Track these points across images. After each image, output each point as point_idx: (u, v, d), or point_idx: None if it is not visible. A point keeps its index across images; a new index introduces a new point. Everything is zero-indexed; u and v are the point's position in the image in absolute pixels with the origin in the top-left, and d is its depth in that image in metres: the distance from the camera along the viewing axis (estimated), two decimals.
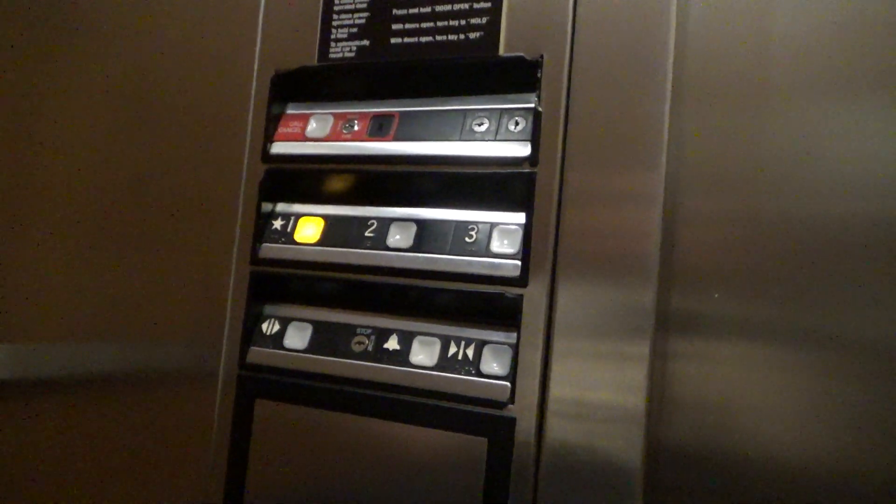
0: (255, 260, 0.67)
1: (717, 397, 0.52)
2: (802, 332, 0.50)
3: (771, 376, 0.51)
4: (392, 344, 0.61)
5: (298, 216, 0.67)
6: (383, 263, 0.61)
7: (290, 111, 0.69)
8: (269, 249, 0.66)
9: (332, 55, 0.65)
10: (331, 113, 0.67)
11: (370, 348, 0.61)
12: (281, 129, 0.68)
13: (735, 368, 0.51)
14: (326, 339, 0.63)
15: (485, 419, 0.55)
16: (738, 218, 0.52)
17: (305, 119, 0.68)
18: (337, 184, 0.66)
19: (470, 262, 0.58)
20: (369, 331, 0.62)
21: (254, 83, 0.69)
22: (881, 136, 0.50)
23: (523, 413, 0.55)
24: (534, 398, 0.54)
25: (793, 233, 0.51)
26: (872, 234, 0.49)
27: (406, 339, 0.60)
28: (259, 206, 0.68)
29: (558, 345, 0.55)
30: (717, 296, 0.53)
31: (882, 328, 0.48)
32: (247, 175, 0.68)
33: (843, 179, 0.50)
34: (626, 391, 0.52)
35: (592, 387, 0.53)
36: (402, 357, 0.60)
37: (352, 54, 0.65)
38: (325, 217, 0.66)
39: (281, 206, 0.69)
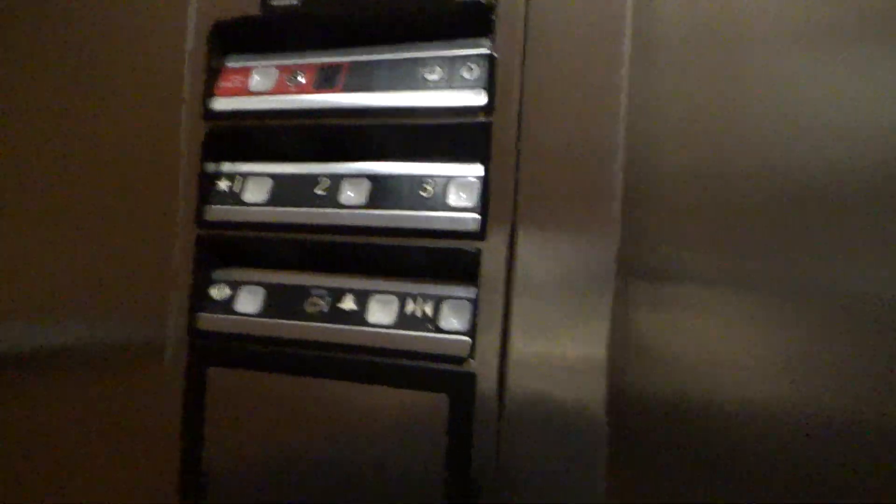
0: (201, 223, 0.63)
1: (680, 346, 0.51)
2: (766, 281, 0.50)
3: (735, 325, 0.51)
4: (348, 304, 0.59)
5: (245, 175, 0.64)
6: (336, 222, 0.59)
7: (230, 64, 0.65)
8: (216, 211, 0.63)
9: (274, 2, 0.62)
10: (275, 65, 0.64)
11: (325, 309, 0.59)
12: (222, 84, 0.64)
13: (699, 317, 0.51)
14: (280, 302, 0.61)
15: (445, 375, 0.54)
16: (704, 168, 0.52)
17: (248, 72, 0.64)
18: (284, 140, 0.63)
19: (427, 217, 0.56)
20: (324, 292, 0.60)
21: (190, 35, 0.65)
22: (851, 88, 0.50)
23: (484, 368, 0.54)
24: (494, 353, 0.53)
25: (760, 183, 0.51)
26: (839, 185, 0.49)
27: (362, 298, 0.59)
28: (202, 167, 0.64)
29: (519, 298, 0.53)
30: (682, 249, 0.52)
31: (846, 279, 0.49)
32: (187, 134, 0.65)
33: (811, 132, 0.50)
34: (589, 342, 0.52)
35: (555, 339, 0.52)
36: (358, 317, 0.58)
37: (296, 2, 0.61)
38: (274, 176, 0.63)
39: (226, 166, 0.66)
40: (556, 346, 0.52)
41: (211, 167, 0.65)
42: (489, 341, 0.54)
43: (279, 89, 0.62)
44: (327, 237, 0.59)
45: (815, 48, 0.50)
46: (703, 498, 0.50)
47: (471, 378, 0.54)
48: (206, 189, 0.64)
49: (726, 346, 0.51)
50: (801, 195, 0.50)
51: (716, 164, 0.51)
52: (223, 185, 0.64)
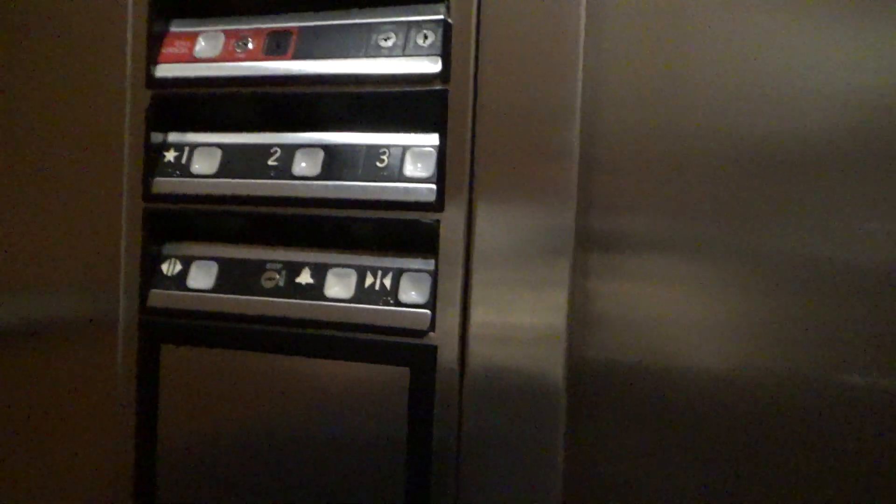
0: (148, 196, 0.61)
1: (638, 314, 0.52)
2: (723, 247, 0.51)
3: (692, 292, 0.51)
4: (305, 278, 0.57)
5: (193, 146, 0.62)
6: (290, 193, 0.57)
7: (174, 29, 0.62)
8: (163, 184, 0.61)
9: None
10: (221, 30, 0.61)
11: (281, 283, 0.58)
12: (165, 50, 0.61)
13: (656, 285, 0.52)
14: (234, 276, 0.60)
15: (406, 349, 0.54)
16: (660, 134, 0.52)
17: (193, 38, 0.61)
18: (233, 109, 0.61)
19: (383, 188, 0.55)
20: (279, 265, 0.59)
21: None
22: (803, 51, 0.50)
23: (445, 340, 0.53)
24: (455, 325, 0.53)
25: (715, 149, 0.51)
26: (792, 150, 0.49)
27: (319, 271, 0.57)
28: (148, 137, 0.61)
29: (478, 269, 0.53)
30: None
31: (801, 243, 0.49)
32: (130, 103, 0.62)
33: (764, 96, 0.50)
34: (548, 312, 0.52)
35: (514, 310, 0.52)
36: (316, 291, 0.57)
37: None
38: (223, 146, 0.61)
39: (173, 136, 0.63)
40: (515, 317, 0.52)
41: (157, 138, 0.62)
42: (449, 314, 0.53)
43: (226, 56, 0.59)
44: (281, 210, 0.58)
45: (766, 9, 0.50)
46: (662, 465, 0.51)
47: (432, 351, 0.53)
48: (152, 161, 0.61)
49: (683, 313, 0.51)
50: (755, 160, 0.50)
51: (670, 130, 0.51)
52: (170, 156, 0.62)
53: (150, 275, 0.61)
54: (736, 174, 0.50)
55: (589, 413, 0.52)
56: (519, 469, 0.52)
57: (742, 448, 0.50)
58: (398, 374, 0.54)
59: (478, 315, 0.53)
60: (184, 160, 0.61)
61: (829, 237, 0.49)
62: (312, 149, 0.58)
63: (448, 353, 0.53)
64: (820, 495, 0.49)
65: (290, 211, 0.58)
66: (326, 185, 0.56)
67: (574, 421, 0.52)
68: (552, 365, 0.51)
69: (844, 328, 0.49)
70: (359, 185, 0.56)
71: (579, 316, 0.52)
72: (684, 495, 0.51)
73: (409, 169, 0.55)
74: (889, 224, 0.48)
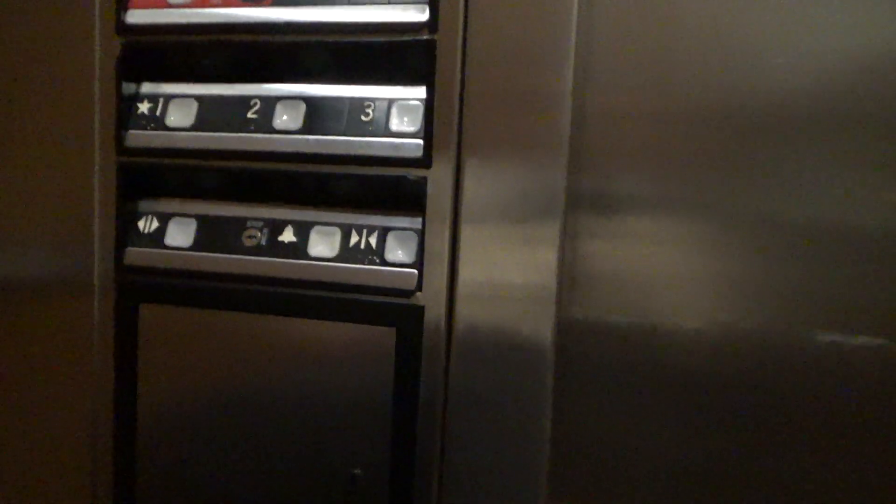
0: (122, 149, 0.58)
1: (626, 273, 0.51)
2: (708, 208, 0.50)
3: (678, 251, 0.50)
4: (287, 236, 0.56)
5: (168, 98, 0.59)
6: (270, 148, 0.55)
7: None
8: (137, 137, 0.58)
9: None
10: None
11: (263, 242, 0.56)
12: None
13: (644, 245, 0.51)
14: (213, 234, 0.58)
15: (392, 309, 0.53)
16: (649, 95, 0.50)
17: None
18: (209, 59, 0.58)
19: (368, 144, 0.53)
20: (261, 223, 0.57)
21: None
22: (794, 10, 0.48)
23: (432, 300, 0.52)
24: (442, 284, 0.52)
25: (700, 112, 0.49)
26: (778, 113, 0.48)
27: (302, 229, 0.56)
28: (119, 88, 0.58)
29: (466, 227, 0.52)
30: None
31: (785, 205, 0.49)
32: (101, 51, 0.58)
33: (748, 61, 0.48)
34: (537, 271, 0.51)
35: (503, 269, 0.51)
36: (299, 249, 0.55)
37: None
38: (200, 98, 0.58)
39: (147, 87, 0.60)
40: (504, 276, 0.51)
41: (129, 88, 0.59)
42: (436, 273, 0.52)
43: (201, 1, 0.56)
44: (261, 165, 0.56)
45: None
46: (648, 423, 0.51)
47: (419, 311, 0.52)
48: (124, 112, 0.58)
49: (671, 273, 0.51)
50: (740, 123, 0.49)
51: (662, 84, 0.50)
52: (144, 107, 0.59)
53: (126, 232, 0.59)
54: (721, 137, 0.49)
55: (577, 372, 0.52)
56: (506, 428, 0.52)
57: (729, 406, 0.50)
58: (384, 335, 0.53)
59: (466, 274, 0.52)
60: (158, 112, 0.58)
61: (815, 198, 0.48)
62: (294, 101, 0.56)
63: (435, 313, 0.52)
64: (805, 452, 0.49)
65: (271, 166, 0.55)
66: (308, 140, 0.54)
67: (562, 380, 0.51)
68: (541, 325, 0.51)
69: (830, 288, 0.48)
70: (343, 140, 0.54)
71: (569, 275, 0.52)
72: (670, 453, 0.51)
73: (396, 123, 0.53)
74: (874, 186, 0.48)
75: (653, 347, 0.51)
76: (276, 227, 0.56)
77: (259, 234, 0.56)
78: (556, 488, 0.53)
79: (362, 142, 0.53)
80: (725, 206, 0.49)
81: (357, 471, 0.54)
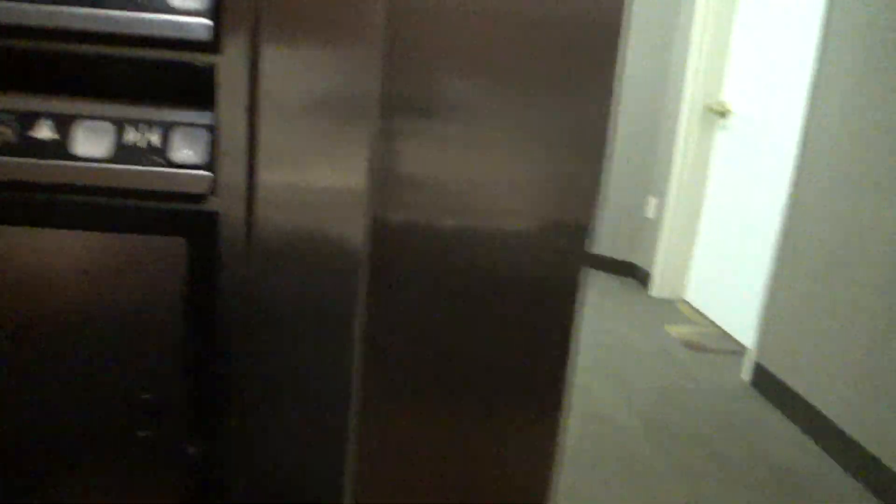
0: None
1: (440, 175, 0.48)
2: (527, 111, 0.48)
3: (488, 154, 0.48)
4: (44, 132, 0.46)
5: None
6: (21, 21, 0.45)
7: None
8: None
9: None
10: None
11: (14, 139, 0.46)
12: None
13: (458, 148, 0.48)
14: None
15: (180, 216, 0.46)
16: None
17: None
18: None
19: (143, 20, 0.45)
20: (10, 116, 0.46)
21: None
22: None
23: (228, 205, 0.46)
24: (240, 187, 0.46)
25: (514, 17, 0.47)
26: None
27: (64, 124, 0.46)
28: None
29: (266, 124, 0.46)
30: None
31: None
32: None
33: None
34: (347, 172, 0.46)
35: (309, 170, 0.46)
36: (60, 148, 0.46)
37: None
38: None
39: None
40: (311, 178, 0.46)
41: None
42: (232, 174, 0.46)
43: None
44: (11, 42, 0.45)
45: None
46: (455, 322, 0.50)
47: (213, 217, 0.46)
48: None
49: (482, 175, 0.49)
50: (562, 28, 0.47)
51: None
52: None
53: None
54: (532, 45, 0.47)
55: (390, 271, 0.49)
56: (315, 338, 0.48)
57: (546, 310, 0.50)
58: (172, 245, 0.46)
59: (267, 176, 0.46)
60: None
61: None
62: None
63: (232, 219, 0.46)
64: None
65: (23, 44, 0.45)
66: (67, 13, 0.44)
67: (373, 283, 0.48)
68: (352, 227, 0.47)
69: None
70: (111, 15, 0.44)
71: (382, 177, 0.48)
72: (481, 354, 0.50)
73: None
74: None
75: (462, 250, 0.49)
76: (30, 120, 0.46)
77: (7, 130, 0.46)
78: (369, 393, 0.50)
79: (137, 18, 0.45)
80: (538, 111, 0.48)
81: (146, 395, 0.47)
